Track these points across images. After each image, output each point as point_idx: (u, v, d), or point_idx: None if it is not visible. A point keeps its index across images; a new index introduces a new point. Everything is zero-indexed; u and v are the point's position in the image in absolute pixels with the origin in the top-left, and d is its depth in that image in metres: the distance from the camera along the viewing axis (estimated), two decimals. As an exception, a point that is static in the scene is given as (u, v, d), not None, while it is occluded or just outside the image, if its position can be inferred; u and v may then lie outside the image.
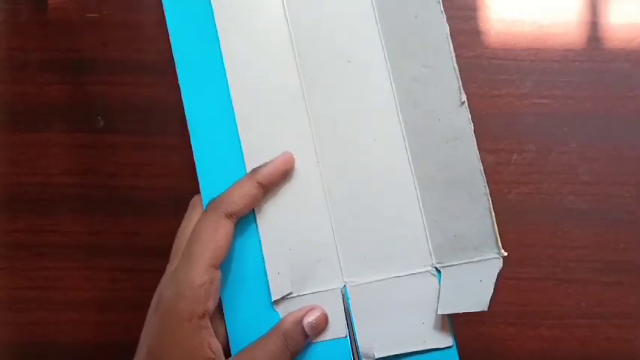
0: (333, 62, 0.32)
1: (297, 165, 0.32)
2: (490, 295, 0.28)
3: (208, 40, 0.33)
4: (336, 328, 0.31)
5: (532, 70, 0.39)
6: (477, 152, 0.30)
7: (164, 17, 0.39)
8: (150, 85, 0.39)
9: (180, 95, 0.38)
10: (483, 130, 0.38)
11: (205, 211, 0.30)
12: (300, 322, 0.30)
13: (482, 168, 0.30)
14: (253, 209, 0.31)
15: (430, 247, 0.31)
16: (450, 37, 0.30)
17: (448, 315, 0.30)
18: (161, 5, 0.39)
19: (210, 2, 0.33)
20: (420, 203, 0.31)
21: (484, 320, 0.37)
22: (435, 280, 0.31)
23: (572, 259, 0.38)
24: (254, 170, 0.30)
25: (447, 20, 0.32)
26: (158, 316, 0.29)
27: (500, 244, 0.29)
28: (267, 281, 0.31)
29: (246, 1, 0.33)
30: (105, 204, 0.39)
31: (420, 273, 0.31)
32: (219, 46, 0.32)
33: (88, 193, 0.39)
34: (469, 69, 0.38)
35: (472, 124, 0.30)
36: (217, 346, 0.29)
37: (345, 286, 0.31)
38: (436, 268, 0.31)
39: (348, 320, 0.31)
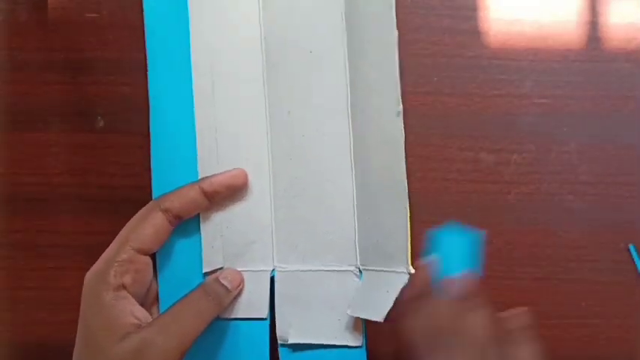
0: (297, 53, 0.32)
1: (248, 149, 0.32)
2: (389, 307, 0.28)
3: (179, 25, 0.33)
4: (259, 309, 0.32)
5: (532, 70, 0.39)
6: (404, 165, 0.30)
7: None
8: (150, 85, 0.39)
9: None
10: (483, 130, 0.38)
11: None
12: (217, 278, 0.31)
13: (406, 182, 0.30)
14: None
15: (357, 248, 0.32)
16: (397, 45, 0.30)
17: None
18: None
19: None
20: (355, 204, 0.32)
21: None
22: (358, 280, 0.31)
23: (572, 259, 0.38)
24: (202, 178, 0.32)
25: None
26: (82, 290, 0.30)
27: (409, 261, 0.29)
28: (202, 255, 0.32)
29: None
30: (105, 204, 0.39)
31: (345, 271, 0.32)
32: (189, 30, 0.33)
33: (88, 193, 0.39)
34: (469, 69, 0.38)
35: (404, 136, 0.30)
36: (143, 314, 0.30)
37: (274, 270, 0.32)
38: (359, 269, 0.31)
39: (272, 303, 0.32)
